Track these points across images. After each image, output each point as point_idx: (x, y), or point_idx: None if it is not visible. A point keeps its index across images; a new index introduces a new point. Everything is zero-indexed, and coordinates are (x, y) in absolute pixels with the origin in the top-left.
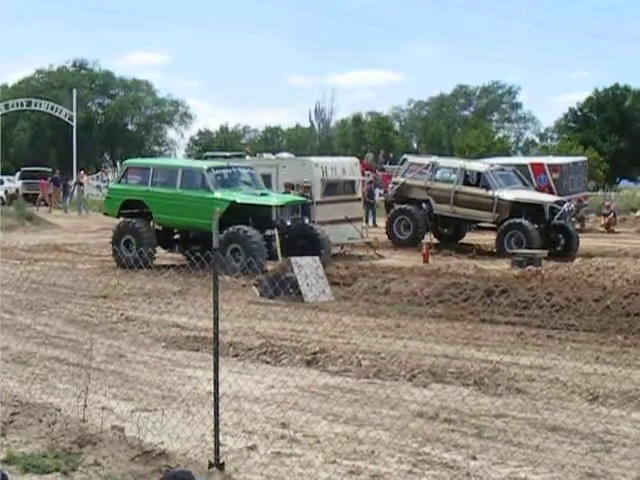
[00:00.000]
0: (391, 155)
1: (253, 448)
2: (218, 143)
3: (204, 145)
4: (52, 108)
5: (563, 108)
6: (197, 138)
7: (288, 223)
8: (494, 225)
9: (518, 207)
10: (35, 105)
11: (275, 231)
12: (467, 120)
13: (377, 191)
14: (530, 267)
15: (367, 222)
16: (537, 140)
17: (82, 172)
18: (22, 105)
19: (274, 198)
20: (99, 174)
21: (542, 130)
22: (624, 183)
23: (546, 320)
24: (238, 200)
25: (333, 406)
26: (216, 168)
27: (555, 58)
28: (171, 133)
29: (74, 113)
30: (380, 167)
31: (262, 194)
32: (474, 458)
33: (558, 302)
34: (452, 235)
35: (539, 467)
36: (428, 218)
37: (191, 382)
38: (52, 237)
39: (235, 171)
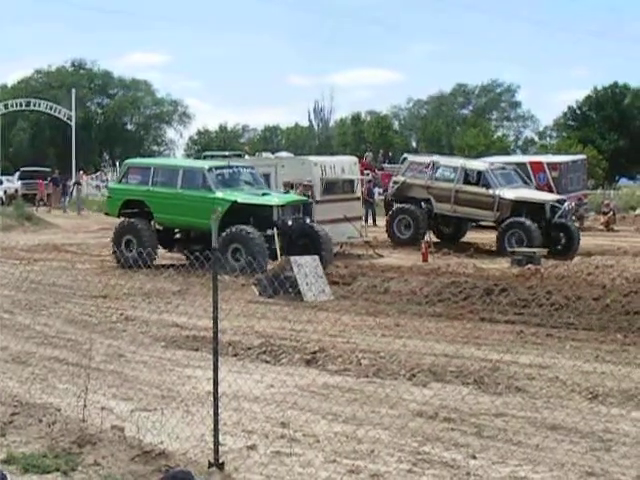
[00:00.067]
0: (390, 154)
1: (253, 447)
2: (217, 143)
3: (203, 145)
4: (51, 108)
5: (562, 106)
6: (196, 138)
7: (289, 223)
8: (494, 224)
9: (519, 206)
10: (34, 105)
11: (274, 231)
12: (466, 119)
13: (376, 190)
14: (529, 266)
15: (366, 221)
16: (536, 139)
17: (81, 172)
18: (21, 105)
19: (275, 198)
20: (98, 174)
21: (541, 128)
22: (623, 181)
23: (545, 319)
24: (239, 200)
25: (333, 405)
26: (217, 168)
27: (554, 57)
28: (170, 133)
29: (73, 113)
30: (379, 166)
31: (263, 194)
32: (474, 457)
33: (557, 301)
34: (453, 234)
35: (539, 466)
36: (428, 217)
37: (190, 382)
38: (51, 237)
39: (236, 171)
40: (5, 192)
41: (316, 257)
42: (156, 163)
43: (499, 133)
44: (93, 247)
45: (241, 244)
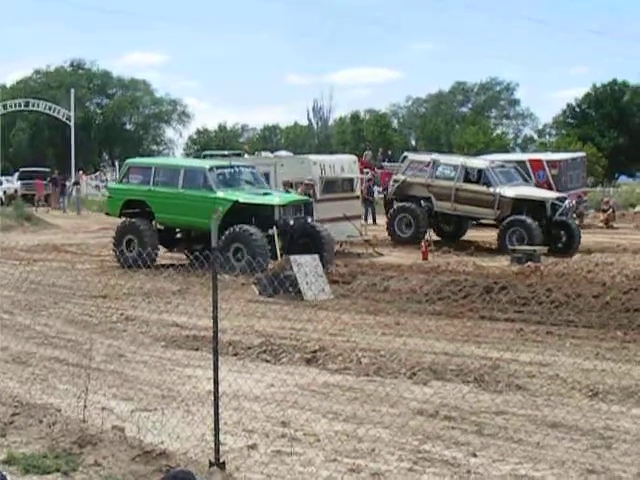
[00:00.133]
0: (389, 153)
1: (253, 447)
2: (216, 142)
3: (202, 144)
4: (50, 108)
5: (561, 104)
6: (195, 137)
7: (291, 222)
8: (494, 222)
9: (519, 204)
10: (33, 105)
11: (274, 230)
12: (465, 117)
13: (376, 189)
14: (529, 263)
15: (366, 220)
16: (535, 136)
17: (80, 172)
18: (20, 105)
19: (276, 197)
20: (97, 174)
21: (540, 126)
22: (623, 179)
23: (545, 316)
24: (241, 200)
25: (333, 404)
26: (218, 167)
27: (553, 55)
28: (169, 132)
29: (72, 113)
30: (379, 165)
31: (265, 193)
32: (474, 455)
33: (557, 298)
34: (453, 232)
35: (539, 464)
36: (428, 215)
37: (191, 381)
38: (51, 237)
39: (237, 170)
40: (4, 192)
41: (316, 256)
42: (157, 163)
43: (498, 131)
44: (93, 247)
45: (243, 244)
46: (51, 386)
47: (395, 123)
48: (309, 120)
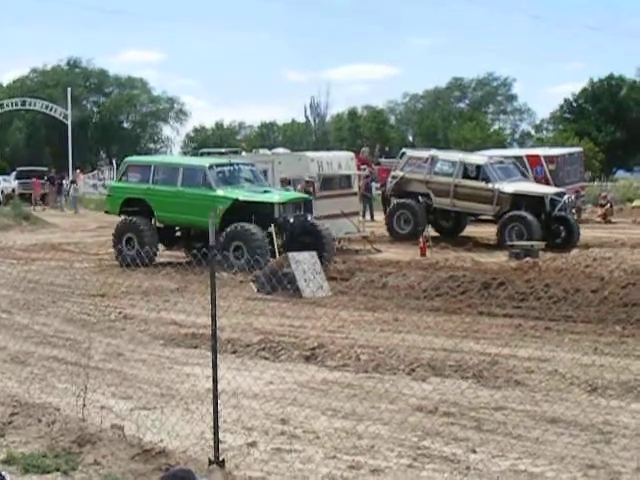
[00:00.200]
0: (386, 149)
1: (253, 444)
2: (214, 139)
3: (200, 142)
4: (47, 107)
5: (558, 99)
6: (193, 135)
7: (291, 220)
8: (493, 218)
9: (518, 199)
10: (30, 104)
11: (272, 228)
12: (462, 113)
13: (374, 185)
14: (527, 259)
15: (364, 216)
16: (533, 132)
17: (78, 171)
18: (17, 104)
19: (276, 195)
20: (95, 172)
21: (538, 122)
22: (620, 173)
23: (544, 312)
24: (240, 198)
25: (332, 401)
26: (218, 165)
27: (550, 50)
28: (166, 130)
29: (69, 112)
30: (376, 161)
31: (264, 191)
32: (474, 451)
33: (556, 294)
34: (452, 228)
35: (539, 459)
36: (427, 212)
37: (190, 379)
38: (49, 236)
39: (237, 168)
40: (2, 192)
41: (314, 253)
42: (156, 161)
43: (495, 127)
44: (91, 246)
45: (243, 242)
46: (50, 385)
47: (392, 119)
48: (306, 117)
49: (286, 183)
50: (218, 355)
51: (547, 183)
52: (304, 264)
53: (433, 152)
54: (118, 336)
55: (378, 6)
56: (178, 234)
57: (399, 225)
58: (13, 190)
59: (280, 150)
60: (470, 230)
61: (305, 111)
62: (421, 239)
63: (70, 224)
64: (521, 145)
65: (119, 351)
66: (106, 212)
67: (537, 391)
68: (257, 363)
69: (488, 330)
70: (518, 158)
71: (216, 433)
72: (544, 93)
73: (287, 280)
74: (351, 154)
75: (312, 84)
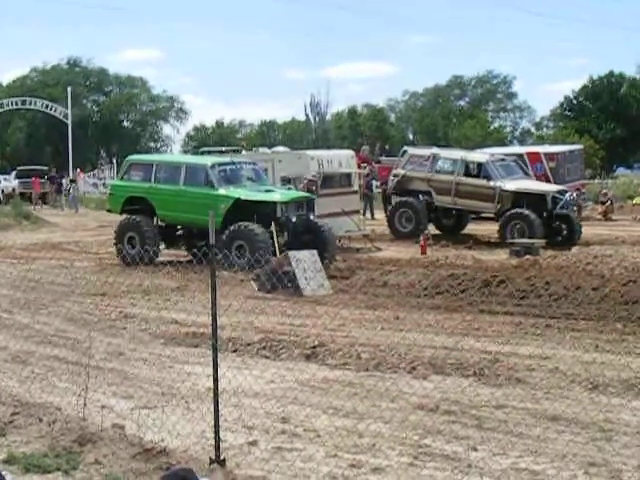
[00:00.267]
0: (387, 147)
1: (254, 443)
2: (214, 138)
3: (200, 140)
4: (47, 106)
5: (558, 97)
6: (193, 134)
7: (293, 219)
8: (494, 216)
9: (520, 197)
10: (30, 104)
11: (273, 227)
12: (463, 110)
13: (374, 183)
14: (528, 256)
15: (365, 214)
16: (533, 129)
17: (78, 170)
18: (17, 104)
19: (278, 194)
20: (95, 172)
21: (538, 119)
22: (621, 170)
23: (545, 309)
24: (242, 197)
25: (333, 400)
26: (220, 164)
27: (549, 47)
28: (167, 129)
29: (69, 111)
30: (376, 159)
31: (267, 190)
32: (475, 449)
33: (556, 291)
34: (453, 226)
35: (540, 457)
36: (429, 210)
37: (190, 378)
38: (49, 236)
39: (239, 167)
40: (2, 191)
41: (314, 251)
42: (158, 160)
43: (496, 124)
44: (91, 245)
45: (245, 241)
46: (51, 385)
47: (392, 117)
48: (306, 115)
49: (286, 182)
50: (219, 354)
51: (547, 181)
52: (304, 262)
53: (434, 150)
54: (119, 335)
55: (378, 4)
56: (180, 233)
57: (401, 223)
58: (13, 189)
59: (280, 149)
60: (471, 228)
61: (305, 109)
62: (422, 237)
63: (70, 223)
64: (521, 143)
65: (120, 350)
66: (108, 211)
67: (538, 389)
68: (258, 362)
69: (489, 328)
70: (518, 156)
71: (217, 432)
72: (544, 90)
73: (288, 279)
74: (351, 152)
75: (312, 82)
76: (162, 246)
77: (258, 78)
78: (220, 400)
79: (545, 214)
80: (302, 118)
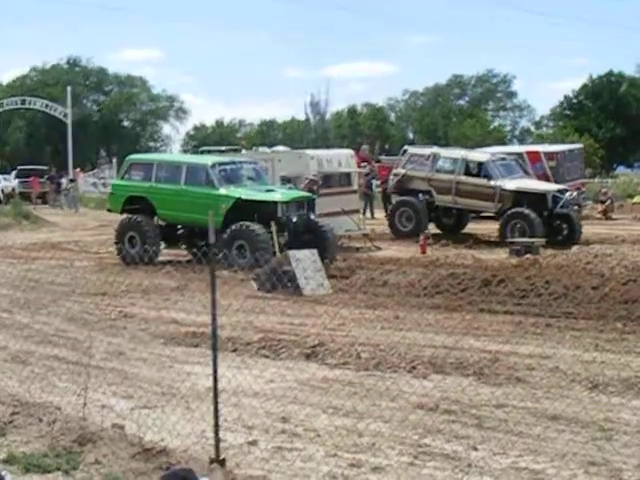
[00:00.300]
0: (386, 146)
1: (254, 443)
2: (214, 138)
3: (200, 140)
4: (47, 106)
5: (558, 96)
6: (193, 133)
7: (294, 219)
8: (494, 215)
9: (520, 197)
10: (30, 103)
11: (273, 226)
12: (462, 110)
13: (374, 182)
14: (528, 256)
15: (364, 214)
16: (533, 128)
17: (78, 169)
18: (17, 103)
19: (279, 194)
20: (95, 171)
21: (537, 118)
22: (621, 169)
23: (544, 309)
24: (243, 197)
25: (333, 399)
26: (221, 164)
27: (549, 46)
28: (166, 129)
29: (69, 110)
30: (376, 158)
31: (267, 190)
32: (475, 449)
33: (556, 290)
34: (454, 226)
35: (540, 456)
36: (429, 209)
37: (190, 378)
38: (49, 235)
39: (239, 166)
40: (2, 191)
41: (314, 251)
42: (159, 159)
43: (495, 123)
44: (91, 244)
45: (246, 241)
46: (51, 384)
47: (392, 117)
48: (306, 114)
49: (286, 181)
50: (218, 353)
51: (547, 180)
52: (304, 262)
53: (435, 149)
54: (119, 335)
55: (378, 4)
56: (180, 232)
57: (401, 222)
58: (13, 189)
59: (280, 148)
60: (471, 227)
61: (305, 108)
62: (422, 237)
63: (70, 223)
64: (521, 142)
65: (120, 350)
66: (108, 210)
67: (538, 388)
68: (257, 361)
69: (489, 327)
70: (518, 155)
71: (217, 432)
72: (544, 90)
73: (287, 278)
74: (351, 152)
75: (312, 82)
76: (162, 246)
77: (258, 77)
78: (220, 400)
79: (545, 213)
80: (302, 117)
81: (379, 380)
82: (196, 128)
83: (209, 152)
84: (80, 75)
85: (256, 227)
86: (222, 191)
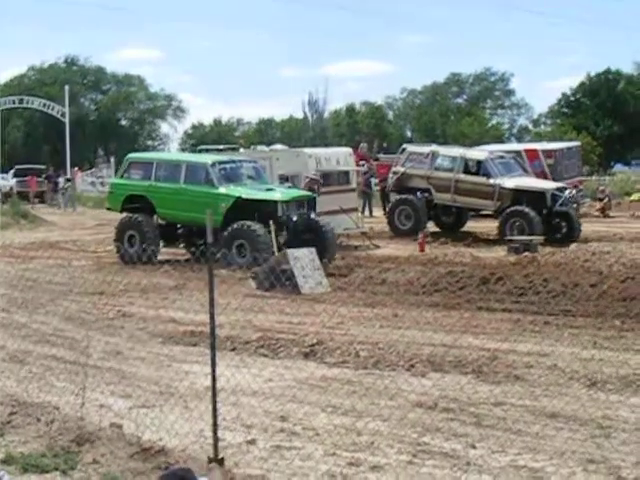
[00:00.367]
0: (385, 145)
1: (252, 442)
2: (212, 136)
3: (198, 139)
4: (44, 105)
5: (556, 94)
6: (191, 132)
7: (294, 218)
8: (493, 213)
9: (519, 195)
10: (27, 102)
11: (271, 225)
12: (460, 108)
13: (373, 180)
14: (526, 254)
15: (363, 212)
16: (530, 126)
17: (76, 168)
18: (14, 103)
19: (279, 193)
20: (93, 170)
21: (535, 116)
22: (618, 167)
23: (543, 306)
24: (243, 196)
25: (331, 398)
26: (220, 163)
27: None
28: (165, 127)
29: (67, 109)
30: (374, 157)
31: (267, 189)
32: (474, 447)
33: (555, 288)
34: (453, 224)
35: (539, 454)
36: (428, 207)
37: (189, 377)
38: (47, 235)
39: (239, 165)
40: (0, 190)
41: (313, 249)
42: (158, 158)
43: (493, 121)
44: (89, 244)
45: (246, 240)
46: (48, 384)
47: (390, 115)
48: (304, 113)
49: (284, 179)
50: (217, 352)
51: (545, 177)
52: (303, 260)
53: (434, 147)
54: (117, 334)
55: (376, 3)
56: (180, 231)
57: (400, 221)
58: (11, 188)
59: (278, 146)
60: (470, 225)
61: (303, 107)
62: (420, 235)
63: (68, 222)
64: (519, 140)
65: (118, 349)
66: (107, 209)
67: (536, 386)
68: (256, 360)
69: (487, 325)
70: (516, 153)
71: (215, 431)
72: (542, 88)
73: (286, 277)
74: (349, 150)
75: (310, 80)
76: (161, 245)
77: (256, 76)
78: (218, 399)
79: (545, 211)
80: (300, 116)
81: (378, 379)
82: (194, 127)
83: (207, 151)
84: (78, 74)
85: (257, 227)
86: (222, 190)
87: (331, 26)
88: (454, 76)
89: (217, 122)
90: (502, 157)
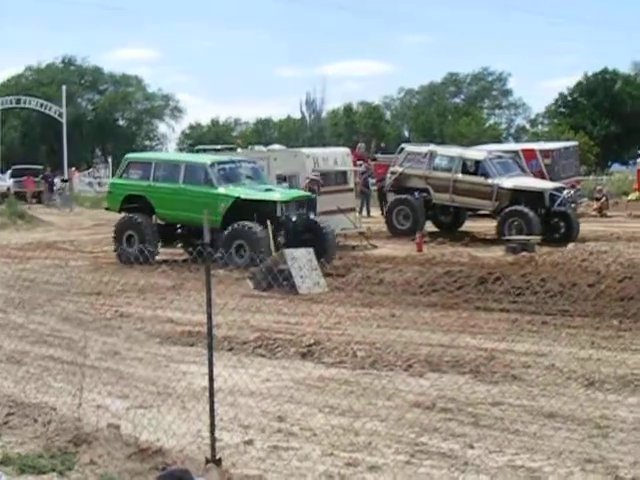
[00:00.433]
0: (382, 145)
1: (250, 443)
2: (210, 136)
3: (195, 139)
4: (42, 105)
5: (553, 94)
6: (188, 132)
7: (293, 218)
8: (491, 213)
9: (517, 195)
10: (24, 102)
11: (269, 225)
12: (458, 108)
13: (370, 181)
14: (524, 253)
15: (361, 212)
16: (528, 126)
17: (73, 169)
18: (12, 103)
19: (278, 194)
20: (90, 170)
21: (533, 116)
22: (616, 167)
23: (541, 306)
24: (242, 196)
25: (329, 398)
26: (219, 163)
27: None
28: (162, 128)
29: (64, 110)
30: (372, 156)
31: (267, 189)
32: (471, 447)
33: (552, 288)
34: (451, 223)
35: (536, 454)
36: (426, 207)
37: (186, 378)
38: (45, 235)
39: (238, 165)
40: None
41: (311, 249)
42: (157, 158)
43: (491, 121)
44: (86, 244)
45: (245, 240)
46: (46, 385)
47: (388, 115)
48: (302, 113)
49: (282, 179)
50: (214, 353)
51: (542, 177)
52: (300, 260)
53: (432, 147)
54: (114, 334)
55: (375, 3)
56: (179, 231)
57: (398, 221)
58: (8, 189)
59: (276, 146)
60: (467, 225)
61: (300, 107)
62: (418, 235)
63: (65, 222)
64: (516, 140)
65: (115, 350)
66: (106, 209)
67: (534, 386)
68: (253, 360)
69: (485, 325)
70: (514, 152)
71: (212, 431)
72: (539, 87)
73: (283, 277)
74: (347, 150)
75: (307, 80)
76: (159, 245)
77: (254, 76)
78: (216, 399)
79: (543, 211)
80: (298, 116)
81: (375, 379)
82: (192, 127)
83: (205, 151)
84: (75, 74)
85: (255, 227)
86: (221, 190)
87: (330, 26)
88: (451, 76)
89: (215, 122)
90: (500, 157)
